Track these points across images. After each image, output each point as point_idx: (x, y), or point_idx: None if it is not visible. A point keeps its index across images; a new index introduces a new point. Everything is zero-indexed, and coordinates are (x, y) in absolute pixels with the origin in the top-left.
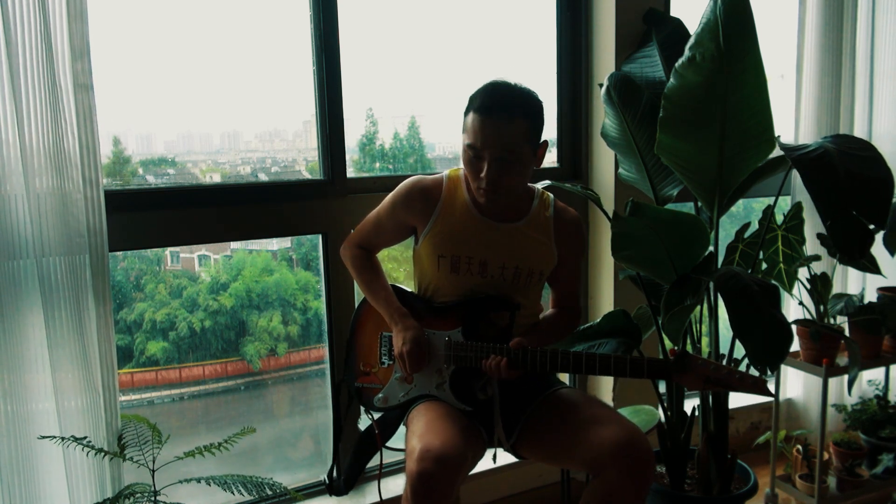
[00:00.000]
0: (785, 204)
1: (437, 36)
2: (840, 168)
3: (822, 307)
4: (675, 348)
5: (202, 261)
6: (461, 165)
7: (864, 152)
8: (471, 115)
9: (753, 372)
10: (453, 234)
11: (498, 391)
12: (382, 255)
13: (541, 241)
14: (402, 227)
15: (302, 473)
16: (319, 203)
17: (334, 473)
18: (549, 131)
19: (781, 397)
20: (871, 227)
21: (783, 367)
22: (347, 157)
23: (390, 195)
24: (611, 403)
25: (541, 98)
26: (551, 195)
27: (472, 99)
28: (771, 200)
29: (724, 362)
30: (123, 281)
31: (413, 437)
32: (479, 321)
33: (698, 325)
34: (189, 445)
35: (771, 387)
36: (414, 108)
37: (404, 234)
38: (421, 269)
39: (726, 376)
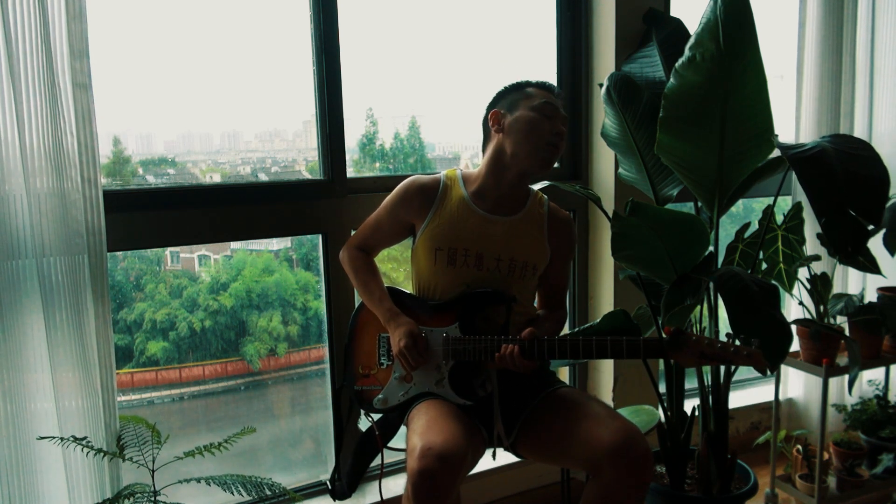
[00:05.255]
0: (785, 204)
1: (437, 36)
2: (837, 166)
3: (822, 307)
4: (671, 327)
5: (202, 261)
6: (459, 167)
7: (862, 151)
8: (529, 89)
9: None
10: (450, 226)
11: (497, 387)
12: (382, 255)
13: (534, 236)
14: (400, 226)
15: (302, 474)
16: (319, 203)
17: (336, 477)
18: None
19: (781, 397)
20: (870, 227)
21: (783, 367)
22: (347, 157)
23: (389, 196)
24: (611, 403)
25: None
26: (545, 195)
27: (517, 85)
28: (771, 200)
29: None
30: (123, 281)
31: (414, 436)
32: (475, 316)
33: (698, 325)
34: (189, 445)
35: (771, 387)
36: (414, 108)
37: (403, 234)
38: (418, 268)
39: (721, 350)
